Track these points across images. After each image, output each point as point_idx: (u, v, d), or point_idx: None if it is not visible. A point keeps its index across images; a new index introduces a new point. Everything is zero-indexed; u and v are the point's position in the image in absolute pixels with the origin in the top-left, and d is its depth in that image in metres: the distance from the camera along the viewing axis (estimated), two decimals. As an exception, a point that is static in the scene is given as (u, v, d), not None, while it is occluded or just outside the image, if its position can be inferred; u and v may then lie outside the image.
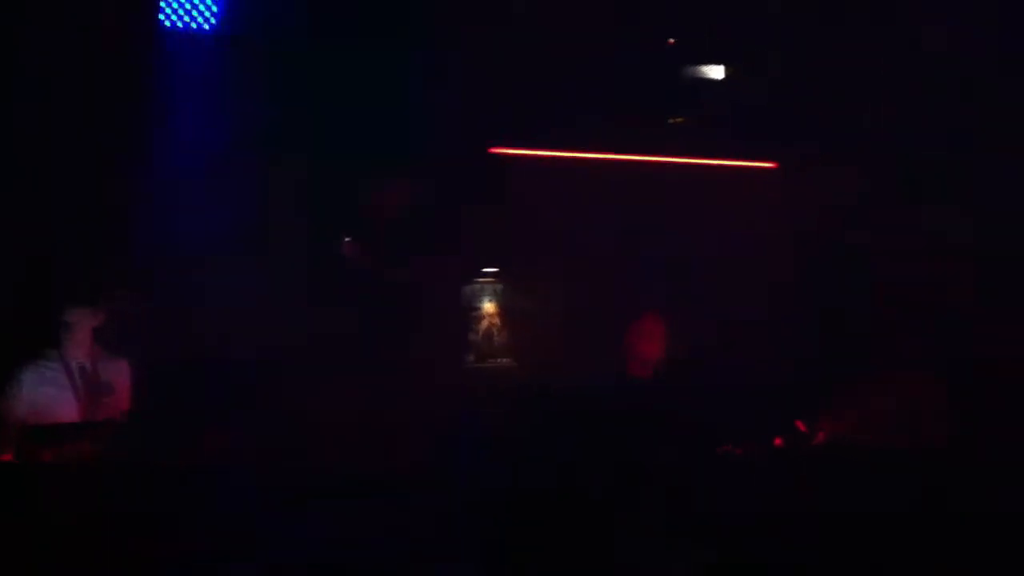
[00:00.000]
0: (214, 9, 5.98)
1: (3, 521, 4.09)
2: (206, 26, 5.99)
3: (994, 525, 4.20)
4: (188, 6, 5.94)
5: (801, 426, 6.14)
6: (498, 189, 6.99)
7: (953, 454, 4.85)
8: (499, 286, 7.62)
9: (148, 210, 6.17)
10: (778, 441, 6.07)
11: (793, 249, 6.95)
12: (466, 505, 4.35)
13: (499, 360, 7.57)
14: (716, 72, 6.82)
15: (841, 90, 6.56)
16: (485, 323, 7.64)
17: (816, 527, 4.36)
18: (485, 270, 7.60)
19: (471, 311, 7.60)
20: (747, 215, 7.00)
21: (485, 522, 4.29)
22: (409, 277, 6.90)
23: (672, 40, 6.52)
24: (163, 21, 5.95)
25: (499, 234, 7.16)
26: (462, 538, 4.20)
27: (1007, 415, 5.44)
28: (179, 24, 5.98)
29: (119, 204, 6.12)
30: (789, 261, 6.92)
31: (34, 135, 5.86)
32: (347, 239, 6.93)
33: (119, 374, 5.46)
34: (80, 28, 5.58)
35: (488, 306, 7.65)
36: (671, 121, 7.18)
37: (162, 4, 5.90)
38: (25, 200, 5.91)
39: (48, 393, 5.25)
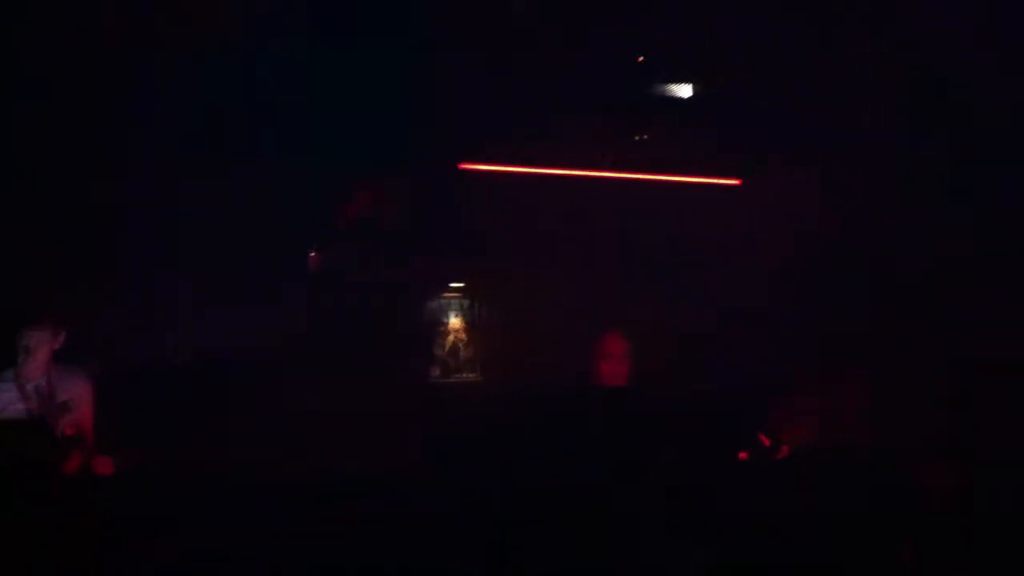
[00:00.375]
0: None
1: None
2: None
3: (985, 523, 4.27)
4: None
5: (764, 439, 6.19)
6: (469, 203, 6.96)
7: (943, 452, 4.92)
8: (466, 301, 7.60)
9: (136, 218, 6.05)
10: (743, 455, 6.11)
11: (756, 260, 7.03)
12: (466, 506, 4.30)
13: (465, 375, 7.54)
14: (685, 90, 6.90)
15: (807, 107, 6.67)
16: (451, 338, 7.61)
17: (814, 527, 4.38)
18: (452, 284, 7.58)
19: (437, 326, 7.56)
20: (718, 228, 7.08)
21: (485, 522, 4.24)
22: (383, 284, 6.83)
23: (641, 58, 6.54)
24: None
25: (469, 248, 7.12)
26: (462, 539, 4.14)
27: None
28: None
29: (105, 213, 5.98)
30: (752, 273, 7.00)
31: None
32: (313, 250, 6.85)
33: (79, 390, 5.29)
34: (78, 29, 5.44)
35: (454, 321, 7.62)
36: (637, 138, 7.22)
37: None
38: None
39: (5, 416, 5.09)
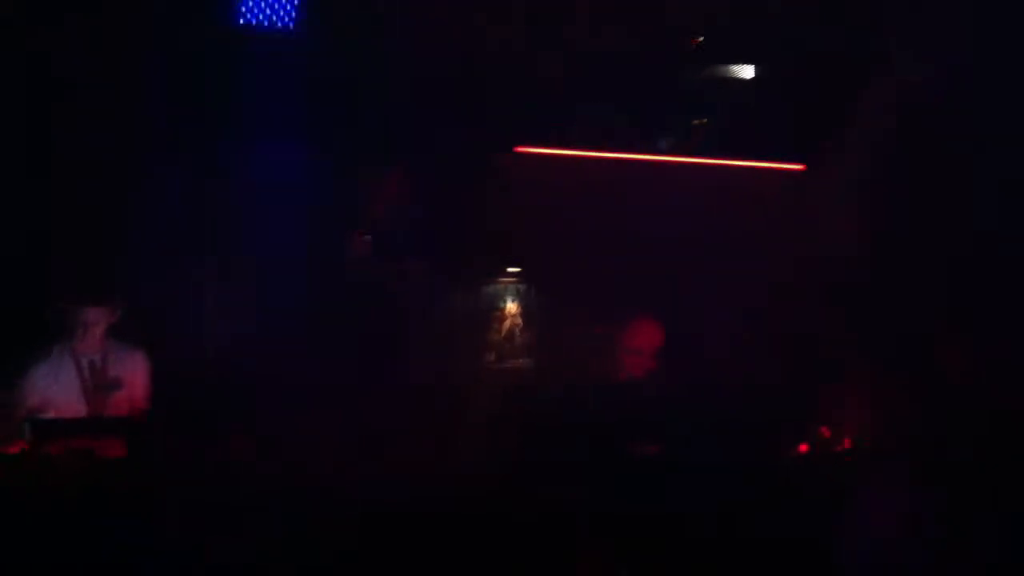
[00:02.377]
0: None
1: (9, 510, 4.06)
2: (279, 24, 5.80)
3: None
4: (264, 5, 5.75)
5: (826, 432, 6.01)
6: (521, 188, 6.90)
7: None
8: (522, 286, 7.55)
9: (148, 212, 6.11)
10: (804, 448, 5.94)
11: (804, 251, 6.86)
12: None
13: (520, 361, 7.51)
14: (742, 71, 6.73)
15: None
16: (508, 323, 7.57)
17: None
18: (509, 270, 7.53)
19: (493, 311, 7.53)
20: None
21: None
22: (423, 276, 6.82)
23: (698, 39, 6.40)
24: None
25: (521, 233, 7.07)
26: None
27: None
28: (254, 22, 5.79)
29: (137, 202, 6.06)
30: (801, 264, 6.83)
31: (65, 127, 5.85)
32: (362, 236, 6.83)
33: (132, 368, 5.37)
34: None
35: (511, 306, 7.57)
36: (696, 123, 7.08)
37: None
38: (41, 191, 5.88)
39: (56, 391, 5.19)
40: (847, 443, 5.97)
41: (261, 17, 5.80)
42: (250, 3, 5.76)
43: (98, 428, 4.88)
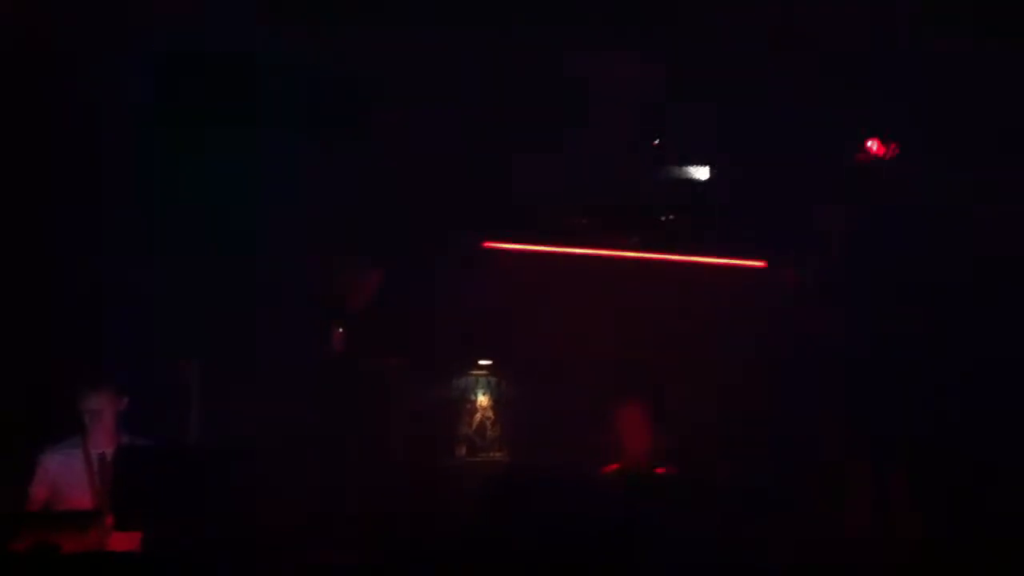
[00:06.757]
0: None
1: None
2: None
3: None
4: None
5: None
6: (491, 282, 7.03)
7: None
8: (493, 379, 7.62)
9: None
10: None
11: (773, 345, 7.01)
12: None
13: (492, 454, 7.55)
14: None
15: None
16: (479, 416, 7.63)
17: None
18: (480, 362, 7.62)
19: (464, 403, 7.60)
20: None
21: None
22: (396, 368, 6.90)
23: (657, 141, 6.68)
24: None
25: (492, 327, 7.19)
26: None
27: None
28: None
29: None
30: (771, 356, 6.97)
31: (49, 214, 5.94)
32: (339, 329, 6.91)
33: None
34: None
35: (482, 399, 7.64)
36: (664, 219, 7.28)
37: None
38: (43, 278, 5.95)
39: (67, 483, 5.25)
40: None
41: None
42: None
43: (63, 523, 4.84)
